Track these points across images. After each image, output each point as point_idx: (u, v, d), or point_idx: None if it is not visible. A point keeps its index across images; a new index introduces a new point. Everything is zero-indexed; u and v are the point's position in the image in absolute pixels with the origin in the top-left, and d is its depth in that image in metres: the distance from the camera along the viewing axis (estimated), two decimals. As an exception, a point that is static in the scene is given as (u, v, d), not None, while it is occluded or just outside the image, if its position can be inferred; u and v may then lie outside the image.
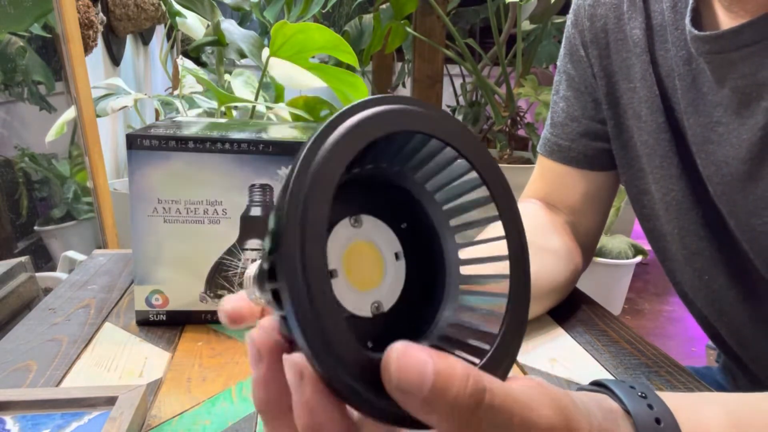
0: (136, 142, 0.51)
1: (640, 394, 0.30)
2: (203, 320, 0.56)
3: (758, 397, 0.34)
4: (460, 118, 2.95)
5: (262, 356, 0.23)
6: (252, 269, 0.26)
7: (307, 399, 0.21)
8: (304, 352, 0.19)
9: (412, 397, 0.19)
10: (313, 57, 1.22)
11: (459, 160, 0.23)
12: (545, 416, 0.21)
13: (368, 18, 2.63)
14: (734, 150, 0.49)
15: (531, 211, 0.64)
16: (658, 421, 0.29)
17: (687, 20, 0.51)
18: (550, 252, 0.59)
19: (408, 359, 0.19)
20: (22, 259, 1.09)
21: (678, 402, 0.31)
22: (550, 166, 0.66)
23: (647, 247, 2.12)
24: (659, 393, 0.31)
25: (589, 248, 0.67)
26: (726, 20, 0.49)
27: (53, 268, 1.69)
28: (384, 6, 2.35)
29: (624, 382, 0.31)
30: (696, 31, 0.49)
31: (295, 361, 0.21)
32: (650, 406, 0.29)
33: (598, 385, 0.32)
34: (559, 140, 0.65)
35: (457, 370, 0.19)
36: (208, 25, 1.74)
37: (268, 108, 1.43)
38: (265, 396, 0.23)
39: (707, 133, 0.51)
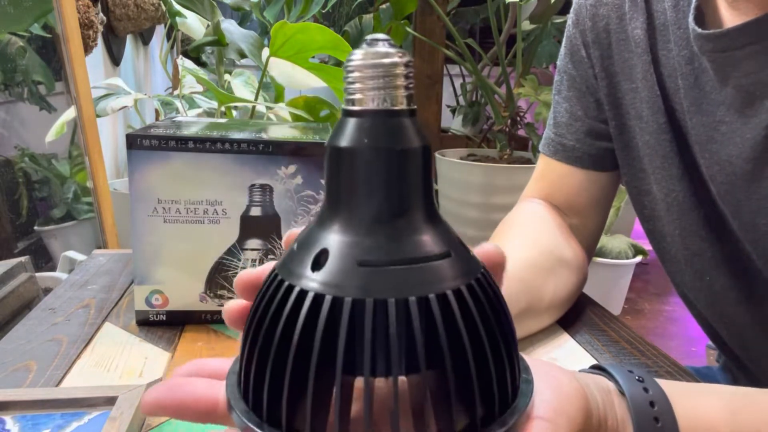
0: (136, 142, 0.51)
1: (637, 378, 0.31)
2: (203, 320, 0.56)
3: (756, 391, 0.34)
4: (460, 118, 2.95)
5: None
6: None
7: None
8: None
9: None
10: (313, 57, 1.22)
11: None
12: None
13: (368, 18, 2.63)
14: (738, 149, 0.49)
15: (539, 214, 0.64)
16: (652, 404, 0.30)
17: (690, 18, 0.50)
18: (564, 264, 0.59)
19: None
20: (22, 259, 1.09)
21: (675, 389, 0.32)
22: (553, 165, 0.66)
23: (647, 247, 2.12)
24: (657, 380, 0.32)
25: (589, 249, 0.67)
26: (730, 18, 0.49)
27: (53, 268, 1.69)
28: (384, 6, 2.35)
29: (623, 366, 0.32)
30: (699, 30, 0.49)
31: None
32: (646, 390, 0.30)
33: (598, 369, 0.32)
34: (563, 140, 0.64)
35: None
36: (208, 25, 1.74)
37: (268, 108, 1.43)
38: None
39: (710, 133, 0.51)
